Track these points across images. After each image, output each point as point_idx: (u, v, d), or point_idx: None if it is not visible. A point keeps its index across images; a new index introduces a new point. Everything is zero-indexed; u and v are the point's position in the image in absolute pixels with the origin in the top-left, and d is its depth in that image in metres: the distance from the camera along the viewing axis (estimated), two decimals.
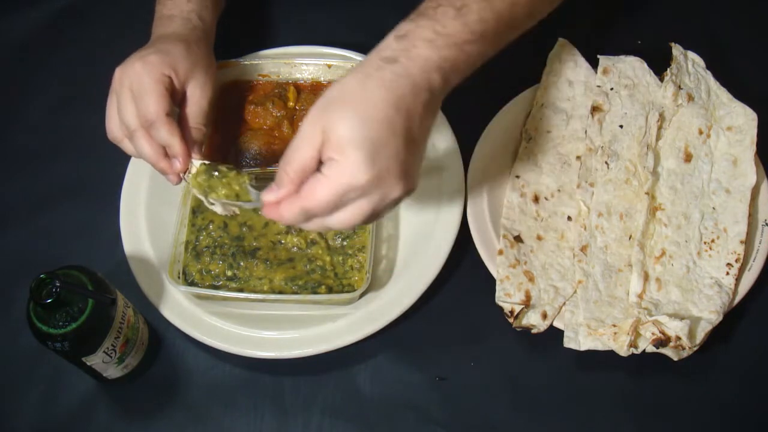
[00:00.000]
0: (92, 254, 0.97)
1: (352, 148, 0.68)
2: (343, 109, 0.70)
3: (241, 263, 0.92)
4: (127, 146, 0.86)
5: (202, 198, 0.87)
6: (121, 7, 1.18)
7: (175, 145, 0.83)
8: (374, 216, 0.73)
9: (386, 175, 0.70)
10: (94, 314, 0.78)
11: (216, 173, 0.85)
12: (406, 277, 0.92)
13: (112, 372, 0.86)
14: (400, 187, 0.71)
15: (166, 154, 0.85)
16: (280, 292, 0.91)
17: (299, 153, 0.71)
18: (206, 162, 0.86)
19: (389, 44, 0.74)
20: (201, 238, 0.94)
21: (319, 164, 0.71)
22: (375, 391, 0.90)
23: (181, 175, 0.86)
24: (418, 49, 0.73)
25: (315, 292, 0.91)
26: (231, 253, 0.93)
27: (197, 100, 0.88)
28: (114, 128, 0.86)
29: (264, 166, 0.96)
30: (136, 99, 0.83)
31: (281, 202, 0.73)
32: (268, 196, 0.73)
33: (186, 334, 0.90)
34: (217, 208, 0.88)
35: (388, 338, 0.92)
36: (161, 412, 0.90)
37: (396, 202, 0.73)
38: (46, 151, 1.07)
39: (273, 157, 0.98)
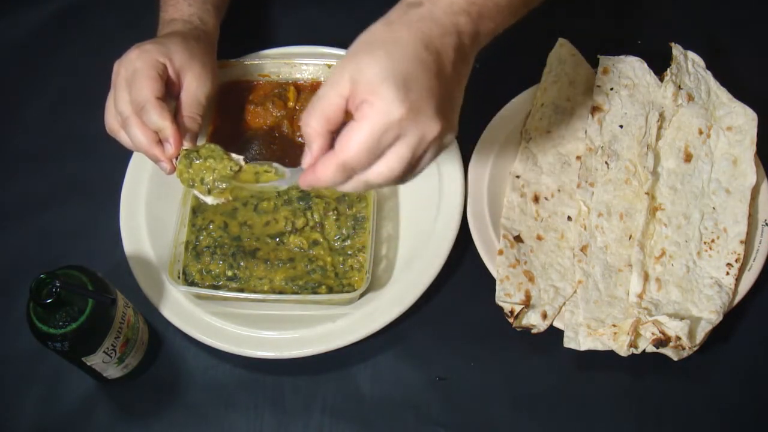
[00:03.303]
0: (92, 254, 0.97)
1: (384, 85, 0.66)
2: (371, 52, 0.68)
3: (242, 263, 0.92)
4: (122, 137, 0.86)
5: (196, 192, 0.87)
6: (122, 8, 1.18)
7: (166, 128, 0.83)
8: (414, 163, 0.70)
9: (421, 109, 0.67)
10: (94, 314, 0.78)
11: (196, 158, 0.84)
12: (406, 277, 0.92)
13: (112, 372, 0.86)
14: (437, 124, 0.68)
15: (160, 142, 0.84)
16: (281, 292, 0.91)
17: (322, 100, 0.69)
18: (187, 148, 0.85)
19: None
20: (201, 238, 0.94)
21: (348, 117, 0.68)
22: (375, 391, 0.90)
23: (174, 162, 0.85)
24: None
25: (315, 292, 0.91)
26: (231, 253, 0.93)
27: (193, 90, 0.88)
28: (110, 119, 0.86)
29: None
30: (129, 86, 0.84)
31: (316, 164, 0.69)
32: (304, 159, 0.71)
33: (186, 334, 0.90)
34: (208, 200, 0.87)
35: (388, 338, 0.92)
36: (161, 412, 0.90)
37: (435, 147, 0.70)
38: (45, 151, 1.07)
39: (273, 157, 0.98)
